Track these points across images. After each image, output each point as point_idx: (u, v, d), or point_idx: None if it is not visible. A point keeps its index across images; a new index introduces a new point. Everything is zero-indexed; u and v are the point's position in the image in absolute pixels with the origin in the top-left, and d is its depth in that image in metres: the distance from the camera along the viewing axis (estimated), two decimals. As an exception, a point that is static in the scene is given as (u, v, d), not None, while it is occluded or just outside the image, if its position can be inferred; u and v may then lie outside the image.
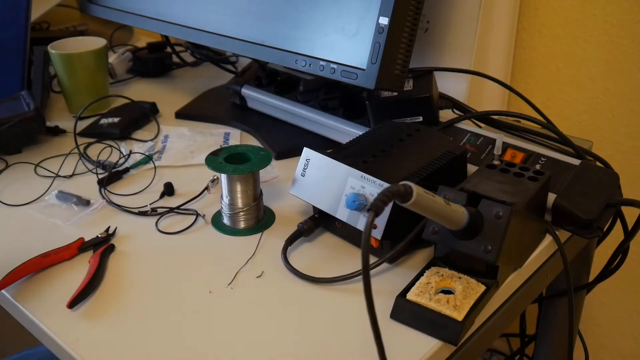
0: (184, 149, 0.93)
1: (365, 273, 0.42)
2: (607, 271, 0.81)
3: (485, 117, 0.83)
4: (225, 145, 0.90)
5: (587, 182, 0.70)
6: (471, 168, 0.75)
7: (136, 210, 0.77)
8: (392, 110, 0.80)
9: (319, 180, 0.69)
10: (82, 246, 0.70)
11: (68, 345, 0.57)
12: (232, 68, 1.23)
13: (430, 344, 0.56)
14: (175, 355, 0.56)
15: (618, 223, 0.78)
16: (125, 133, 0.96)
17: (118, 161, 0.87)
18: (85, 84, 1.03)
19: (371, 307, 0.42)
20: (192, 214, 0.77)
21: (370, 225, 0.42)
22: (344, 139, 0.88)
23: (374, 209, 0.43)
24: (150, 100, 1.06)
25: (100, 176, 0.84)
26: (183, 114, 1.05)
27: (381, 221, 0.63)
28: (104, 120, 0.98)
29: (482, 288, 0.59)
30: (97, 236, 0.71)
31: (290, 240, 0.69)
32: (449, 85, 0.96)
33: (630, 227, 0.76)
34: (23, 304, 0.63)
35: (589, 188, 0.69)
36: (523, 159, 0.74)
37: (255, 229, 0.73)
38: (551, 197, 0.68)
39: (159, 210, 0.77)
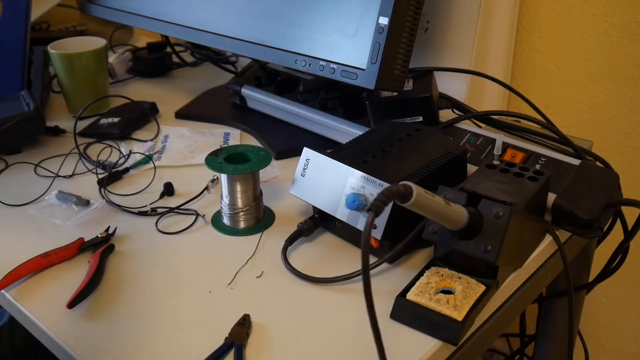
0: (183, 149, 0.93)
1: (365, 273, 0.42)
2: (607, 271, 0.81)
3: (485, 117, 0.83)
4: (225, 145, 0.90)
5: (587, 182, 0.70)
6: (471, 168, 0.75)
7: (136, 210, 0.77)
8: (392, 110, 0.80)
9: (319, 180, 0.69)
10: (82, 246, 0.69)
11: (68, 345, 0.57)
12: (232, 68, 1.23)
13: (430, 344, 0.56)
14: (175, 355, 0.56)
15: (618, 223, 0.78)
16: (125, 133, 0.96)
17: (118, 161, 0.87)
18: (85, 84, 1.03)
19: (371, 307, 0.42)
20: (192, 214, 0.77)
21: (370, 225, 0.42)
22: (344, 139, 0.88)
23: (374, 209, 0.43)
24: (150, 100, 1.06)
25: (100, 176, 0.84)
26: (183, 114, 1.05)
27: (381, 221, 0.63)
28: (103, 120, 0.98)
29: (482, 288, 0.59)
30: (97, 236, 0.71)
31: (290, 240, 0.69)
32: (449, 85, 0.96)
33: (630, 227, 0.76)
34: (23, 304, 0.62)
35: (589, 188, 0.69)
36: (523, 159, 0.74)
37: (255, 229, 0.73)
38: (551, 197, 0.68)
39: (159, 210, 0.77)
